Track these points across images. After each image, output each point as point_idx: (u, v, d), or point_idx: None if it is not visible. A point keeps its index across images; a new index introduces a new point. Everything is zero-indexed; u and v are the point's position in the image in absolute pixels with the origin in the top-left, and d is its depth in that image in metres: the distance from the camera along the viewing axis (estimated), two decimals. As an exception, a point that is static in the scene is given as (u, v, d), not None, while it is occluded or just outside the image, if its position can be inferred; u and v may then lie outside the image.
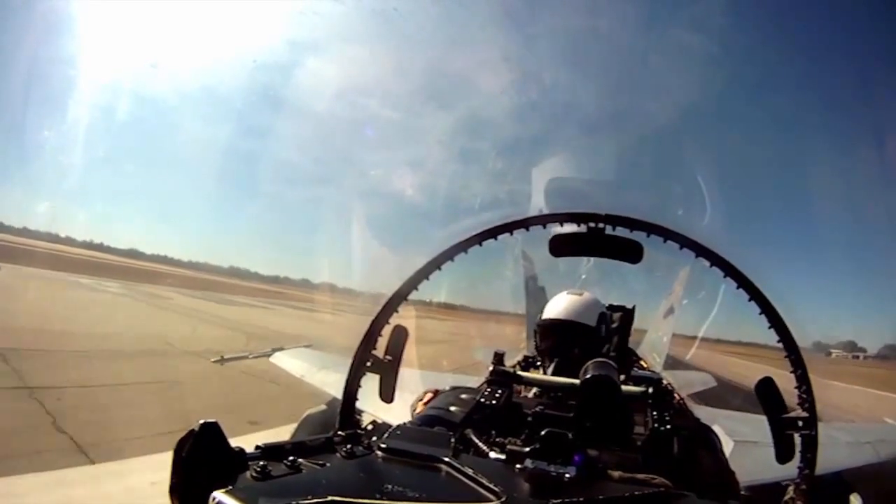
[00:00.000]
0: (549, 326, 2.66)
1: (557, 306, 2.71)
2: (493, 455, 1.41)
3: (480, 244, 1.85)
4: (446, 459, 1.22)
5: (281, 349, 8.73)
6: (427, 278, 1.86)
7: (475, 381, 2.82)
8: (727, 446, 2.90)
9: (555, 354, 2.56)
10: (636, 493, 1.17)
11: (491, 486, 1.07)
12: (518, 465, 1.23)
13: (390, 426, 1.52)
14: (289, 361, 8.14)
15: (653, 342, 8.96)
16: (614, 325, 3.34)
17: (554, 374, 2.43)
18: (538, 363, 2.91)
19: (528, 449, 1.28)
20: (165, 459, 1.01)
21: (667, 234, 1.78)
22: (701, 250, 1.79)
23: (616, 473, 1.31)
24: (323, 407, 6.05)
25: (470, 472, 1.14)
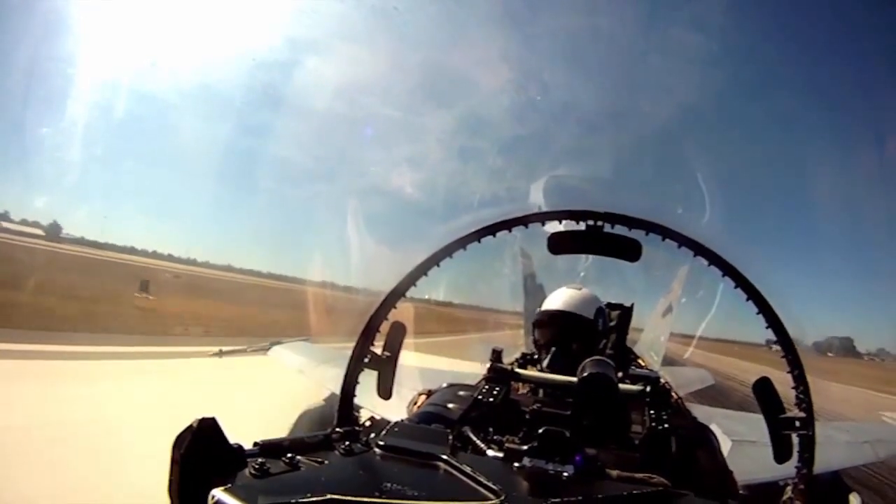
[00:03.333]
0: (547, 318, 2.69)
1: (555, 299, 2.75)
2: (490, 453, 1.41)
3: (479, 241, 1.84)
4: (444, 457, 1.21)
5: (279, 343, 8.70)
6: (426, 275, 1.86)
7: (472, 378, 2.82)
8: (725, 445, 2.91)
9: (552, 346, 2.58)
10: (634, 491, 1.17)
11: (489, 484, 1.07)
12: (516, 464, 1.23)
13: (388, 422, 1.52)
14: (287, 356, 8.12)
15: (651, 341, 8.96)
16: (612, 323, 3.34)
17: (550, 365, 2.46)
18: (536, 358, 2.92)
19: (526, 447, 1.28)
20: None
21: (665, 233, 1.78)
22: (699, 249, 1.79)
23: (614, 472, 1.30)
24: (321, 402, 6.05)
25: (468, 469, 1.14)
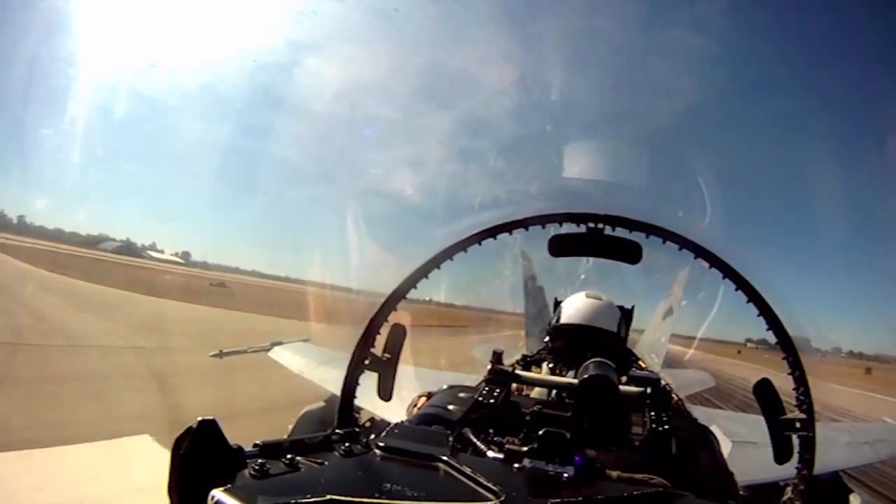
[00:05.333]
0: (572, 331, 2.60)
1: (579, 310, 2.64)
2: (491, 454, 1.41)
3: (479, 244, 1.84)
4: (444, 458, 1.21)
5: (280, 343, 8.67)
6: (426, 277, 1.86)
7: (473, 379, 2.82)
8: (725, 447, 2.91)
9: (573, 359, 2.44)
10: (634, 492, 1.17)
11: (489, 485, 1.07)
12: (516, 465, 1.23)
13: (388, 423, 1.52)
14: (287, 356, 8.10)
15: (651, 343, 8.96)
16: None
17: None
18: (544, 362, 2.90)
19: (526, 448, 1.28)
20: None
21: (666, 235, 1.78)
22: (700, 251, 1.79)
23: (614, 473, 1.30)
24: (321, 403, 6.03)
25: (468, 471, 1.14)
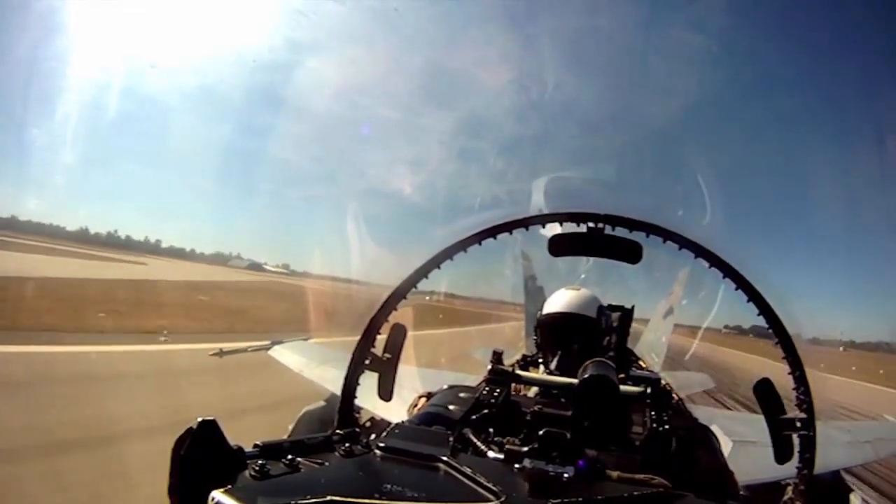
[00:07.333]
0: (550, 321, 2.71)
1: (557, 301, 2.77)
2: (491, 454, 1.41)
3: (480, 243, 1.84)
4: (445, 459, 1.21)
5: (280, 342, 8.65)
6: (426, 277, 1.86)
7: (473, 379, 2.82)
8: (725, 446, 2.91)
9: (556, 348, 2.59)
10: (635, 493, 1.17)
11: (489, 485, 1.07)
12: (517, 465, 1.23)
13: (388, 423, 1.52)
14: (288, 355, 8.08)
15: (651, 342, 8.97)
16: (613, 325, 3.35)
17: (557, 368, 2.47)
18: (540, 361, 2.92)
19: (526, 448, 1.28)
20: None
21: (666, 235, 1.78)
22: (700, 251, 1.78)
23: (615, 473, 1.30)
24: (321, 403, 6.02)
25: (468, 471, 1.14)
